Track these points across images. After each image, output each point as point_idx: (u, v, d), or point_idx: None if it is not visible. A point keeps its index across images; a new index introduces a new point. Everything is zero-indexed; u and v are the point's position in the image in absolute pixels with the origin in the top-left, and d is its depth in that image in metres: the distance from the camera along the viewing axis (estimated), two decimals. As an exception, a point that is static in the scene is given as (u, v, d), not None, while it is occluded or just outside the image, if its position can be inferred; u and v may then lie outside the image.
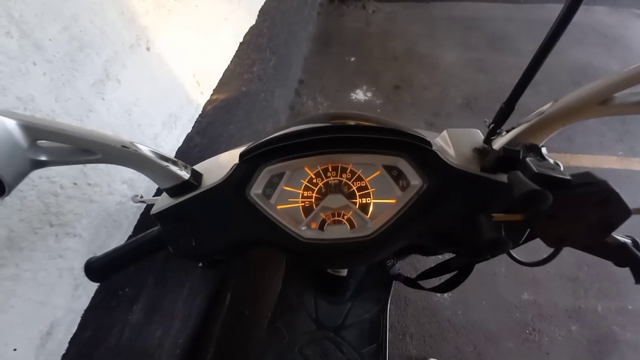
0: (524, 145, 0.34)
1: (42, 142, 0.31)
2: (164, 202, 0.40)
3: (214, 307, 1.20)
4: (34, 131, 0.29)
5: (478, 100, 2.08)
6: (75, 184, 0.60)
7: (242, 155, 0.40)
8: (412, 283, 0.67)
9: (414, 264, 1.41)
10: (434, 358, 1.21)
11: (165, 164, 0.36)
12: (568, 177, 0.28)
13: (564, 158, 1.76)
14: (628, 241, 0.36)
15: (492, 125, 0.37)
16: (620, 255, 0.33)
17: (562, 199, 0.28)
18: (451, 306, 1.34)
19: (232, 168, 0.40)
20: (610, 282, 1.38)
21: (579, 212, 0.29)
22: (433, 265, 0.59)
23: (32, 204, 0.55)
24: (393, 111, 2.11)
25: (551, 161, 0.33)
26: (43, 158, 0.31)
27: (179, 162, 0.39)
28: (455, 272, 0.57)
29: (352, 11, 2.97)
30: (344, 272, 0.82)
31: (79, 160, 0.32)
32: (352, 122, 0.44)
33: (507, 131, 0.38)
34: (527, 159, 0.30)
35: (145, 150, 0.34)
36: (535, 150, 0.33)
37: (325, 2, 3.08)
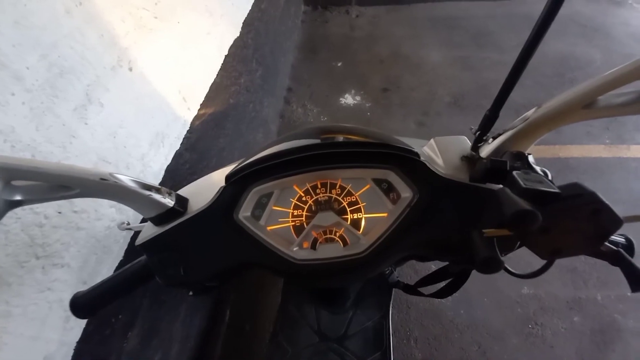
0: (511, 154, 0.34)
1: (16, 182, 0.30)
2: (149, 231, 0.39)
3: (214, 325, 1.18)
4: (6, 172, 0.28)
5: (465, 98, 2.10)
6: (59, 212, 0.59)
7: (228, 178, 0.39)
8: (411, 290, 0.66)
9: (414, 266, 1.40)
10: (439, 360, 1.20)
11: (147, 192, 0.35)
12: (557, 190, 0.28)
13: (553, 150, 1.78)
14: (622, 240, 0.36)
15: (479, 132, 0.37)
16: (613, 260, 0.32)
17: (552, 213, 0.27)
18: (453, 306, 1.33)
19: (218, 191, 0.39)
20: (608, 271, 1.39)
21: (570, 225, 0.28)
22: (430, 272, 0.58)
23: (17, 237, 0.53)
24: (382, 114, 2.12)
25: (539, 169, 0.33)
26: (18, 198, 0.30)
27: (163, 189, 0.38)
28: (453, 278, 0.56)
29: (335, 17, 3.00)
30: (343, 281, 0.81)
31: (56, 196, 0.31)
32: (341, 137, 0.44)
33: (494, 138, 0.38)
34: (515, 173, 0.30)
35: (125, 180, 0.33)
36: (523, 160, 0.33)
37: (309, 9, 3.11)
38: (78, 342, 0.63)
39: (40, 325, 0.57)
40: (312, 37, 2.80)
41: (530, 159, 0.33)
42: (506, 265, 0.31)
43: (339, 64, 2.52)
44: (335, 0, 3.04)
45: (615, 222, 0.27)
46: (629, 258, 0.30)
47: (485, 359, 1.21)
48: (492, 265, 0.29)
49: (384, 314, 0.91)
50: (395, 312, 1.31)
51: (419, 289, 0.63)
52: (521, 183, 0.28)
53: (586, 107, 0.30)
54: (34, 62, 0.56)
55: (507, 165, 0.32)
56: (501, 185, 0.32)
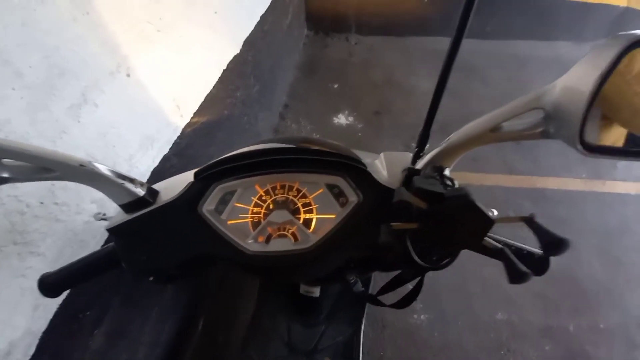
0: (433, 166, 0.39)
1: (5, 161, 0.34)
2: (119, 217, 0.43)
3: (185, 333, 1.16)
4: None
5: (451, 125, 2.11)
6: (42, 202, 0.61)
7: (196, 174, 0.43)
8: (373, 299, 0.69)
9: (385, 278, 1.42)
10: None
11: (120, 181, 0.39)
12: (440, 191, 0.33)
13: (531, 180, 1.86)
14: (506, 240, 0.41)
15: (417, 149, 0.42)
16: (498, 256, 0.37)
17: (438, 210, 0.32)
18: (428, 327, 1.34)
19: (186, 186, 0.43)
20: (581, 299, 1.42)
21: (454, 222, 0.33)
22: (388, 280, 0.62)
23: (-2, 222, 0.56)
24: (373, 135, 2.20)
25: (448, 180, 0.38)
26: (5, 175, 0.34)
27: (136, 180, 0.42)
28: (412, 288, 0.60)
29: (335, 42, 3.16)
30: (317, 293, 0.83)
31: (39, 177, 0.35)
32: (315, 147, 0.49)
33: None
34: (414, 177, 0.35)
35: (102, 168, 0.37)
36: (439, 171, 0.38)
37: (312, 34, 3.28)
38: (44, 333, 0.64)
39: (11, 309, 0.58)
40: (312, 59, 2.93)
41: (446, 171, 0.39)
42: (414, 255, 0.35)
43: (335, 86, 2.63)
44: (336, 28, 3.21)
45: (486, 221, 0.32)
46: (511, 256, 0.34)
47: (457, 383, 1.21)
48: (392, 249, 0.33)
49: (356, 330, 0.92)
50: (369, 330, 1.31)
51: (379, 298, 0.66)
52: (414, 183, 0.33)
53: (493, 131, 0.35)
54: (36, 62, 0.60)
55: (413, 172, 0.39)
56: None
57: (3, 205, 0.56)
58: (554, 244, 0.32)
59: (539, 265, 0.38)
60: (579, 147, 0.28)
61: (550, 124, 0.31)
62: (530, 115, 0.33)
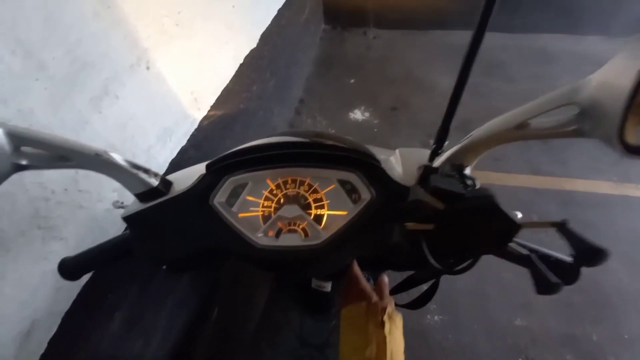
0: (452, 164, 0.37)
1: (24, 149, 0.35)
2: (134, 206, 0.44)
3: (199, 322, 1.19)
4: (17, 138, 0.33)
5: (472, 123, 2.03)
6: (66, 189, 0.64)
7: (208, 166, 0.44)
8: (384, 298, 0.67)
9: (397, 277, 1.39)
10: None
11: (135, 171, 0.40)
12: (460, 191, 0.31)
13: (559, 182, 1.76)
14: (535, 247, 0.38)
15: (434, 145, 0.40)
16: (524, 263, 0.34)
17: (457, 210, 0.30)
18: (442, 329, 1.31)
19: (198, 177, 0.43)
20: (605, 308, 1.35)
21: (475, 224, 0.31)
22: (401, 280, 0.60)
23: (23, 208, 0.58)
24: (389, 131, 2.16)
25: (468, 180, 0.36)
26: (24, 162, 0.35)
27: (150, 170, 0.42)
28: (426, 289, 0.58)
29: (353, 37, 3.11)
30: (328, 288, 0.83)
31: (56, 165, 0.36)
32: (329, 141, 0.48)
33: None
34: (431, 176, 0.33)
35: (117, 158, 0.38)
36: (459, 169, 0.36)
37: (329, 28, 3.24)
38: (66, 313, 0.67)
39: (33, 291, 0.61)
40: (328, 53, 2.90)
41: (467, 170, 0.37)
42: (430, 258, 0.33)
43: (352, 81, 2.60)
44: (354, 22, 3.16)
45: (511, 226, 0.30)
46: (538, 264, 0.31)
47: (469, 387, 1.18)
48: (401, 250, 0.32)
49: None
50: (380, 328, 1.29)
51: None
52: (431, 182, 0.31)
53: (518, 128, 0.33)
54: (59, 55, 0.62)
55: (430, 170, 0.37)
56: None
57: (28, 191, 0.58)
58: (589, 254, 0.29)
59: (567, 275, 0.35)
60: (619, 147, 0.25)
61: (586, 121, 0.28)
62: (560, 111, 0.30)
